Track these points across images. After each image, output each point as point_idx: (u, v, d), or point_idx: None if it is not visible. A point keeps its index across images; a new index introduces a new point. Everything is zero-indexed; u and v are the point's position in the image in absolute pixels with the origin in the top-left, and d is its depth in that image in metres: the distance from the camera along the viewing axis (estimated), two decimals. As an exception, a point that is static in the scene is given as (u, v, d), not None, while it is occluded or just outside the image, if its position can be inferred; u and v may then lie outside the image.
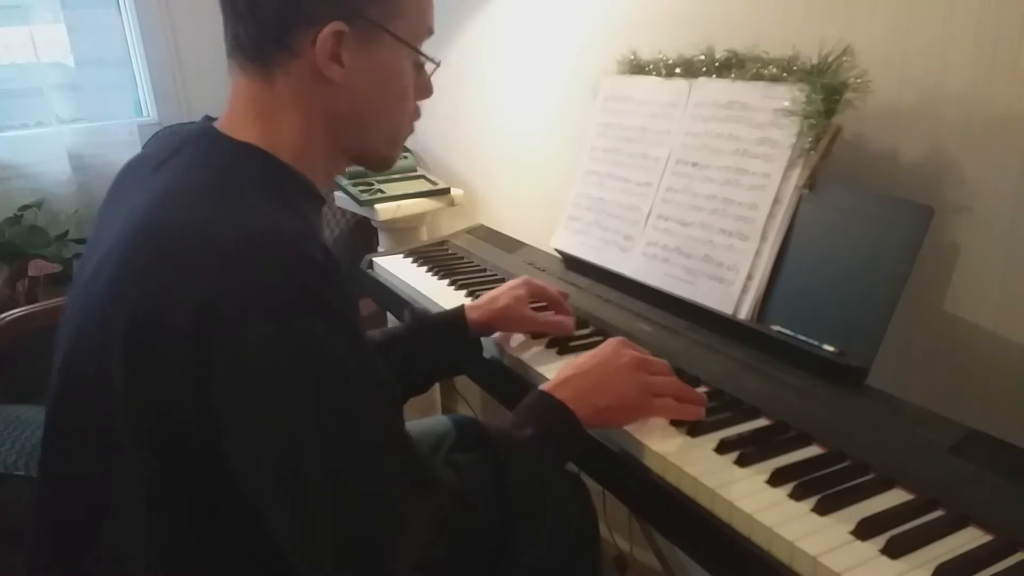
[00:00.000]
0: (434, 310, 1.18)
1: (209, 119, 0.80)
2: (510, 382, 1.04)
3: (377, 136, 0.82)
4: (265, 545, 0.67)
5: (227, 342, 0.61)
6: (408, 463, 0.68)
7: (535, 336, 1.09)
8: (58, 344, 0.75)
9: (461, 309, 1.10)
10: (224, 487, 0.66)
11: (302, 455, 0.62)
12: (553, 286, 1.15)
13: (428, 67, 0.84)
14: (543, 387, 0.84)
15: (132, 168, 0.82)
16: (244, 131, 0.75)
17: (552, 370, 0.99)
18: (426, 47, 0.82)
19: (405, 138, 0.87)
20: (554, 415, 0.79)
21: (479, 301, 1.11)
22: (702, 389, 0.92)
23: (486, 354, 1.10)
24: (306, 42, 0.72)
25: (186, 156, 0.75)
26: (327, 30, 0.71)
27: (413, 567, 0.65)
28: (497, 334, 1.10)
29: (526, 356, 1.04)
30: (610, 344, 0.90)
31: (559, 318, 1.08)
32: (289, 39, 0.73)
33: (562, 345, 1.05)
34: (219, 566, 0.70)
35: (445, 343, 1.08)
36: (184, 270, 0.63)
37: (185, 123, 2.33)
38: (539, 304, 1.12)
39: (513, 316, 1.08)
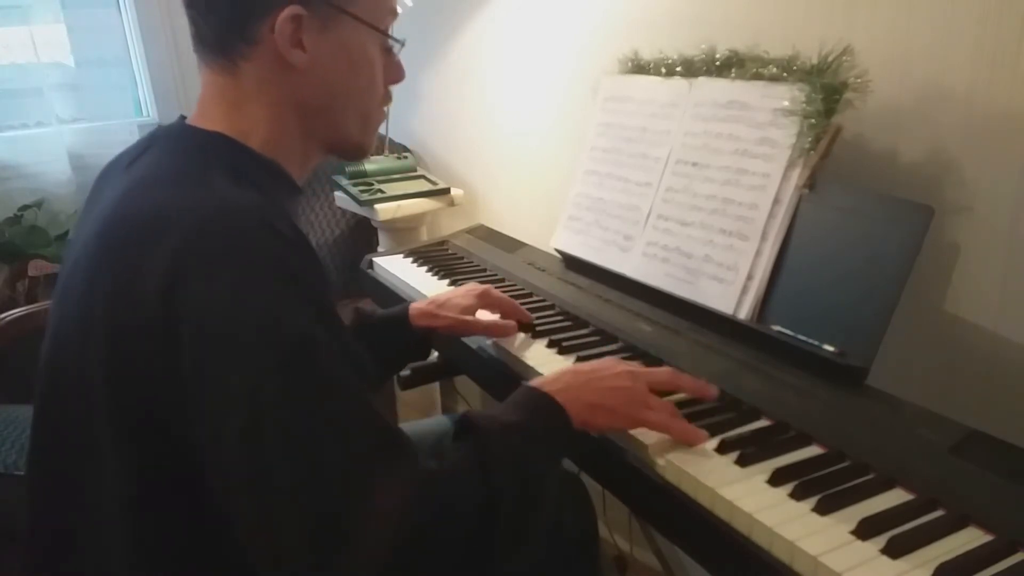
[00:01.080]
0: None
1: (183, 117, 0.80)
2: (510, 382, 1.03)
3: (348, 122, 0.82)
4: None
5: (192, 313, 0.61)
6: (377, 436, 0.64)
7: (535, 336, 1.09)
8: (41, 347, 0.75)
9: (405, 309, 1.12)
10: (202, 477, 0.65)
11: (264, 423, 0.60)
12: (514, 302, 1.14)
13: (396, 49, 0.83)
14: (532, 382, 0.82)
15: (109, 169, 0.83)
16: (213, 123, 0.76)
17: (552, 369, 0.99)
18: (408, 32, 0.81)
19: (378, 124, 0.87)
20: (541, 405, 0.77)
21: (427, 305, 1.11)
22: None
23: (485, 354, 1.10)
24: (265, 30, 0.73)
25: (156, 150, 0.75)
26: (284, 14, 0.72)
27: (388, 548, 0.60)
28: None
29: (526, 356, 1.04)
30: (607, 358, 0.88)
31: (500, 323, 1.07)
32: (248, 28, 0.73)
33: (560, 345, 1.05)
34: (202, 567, 0.69)
35: (388, 342, 1.10)
36: (150, 253, 0.63)
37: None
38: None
39: (457, 329, 1.10)
